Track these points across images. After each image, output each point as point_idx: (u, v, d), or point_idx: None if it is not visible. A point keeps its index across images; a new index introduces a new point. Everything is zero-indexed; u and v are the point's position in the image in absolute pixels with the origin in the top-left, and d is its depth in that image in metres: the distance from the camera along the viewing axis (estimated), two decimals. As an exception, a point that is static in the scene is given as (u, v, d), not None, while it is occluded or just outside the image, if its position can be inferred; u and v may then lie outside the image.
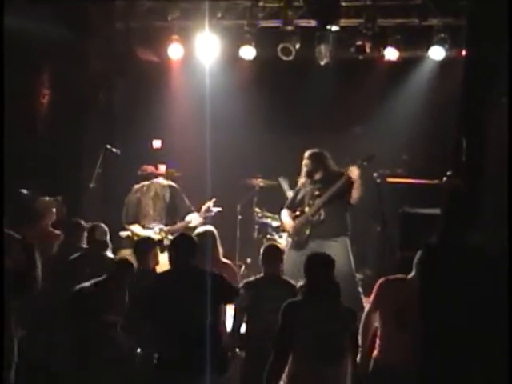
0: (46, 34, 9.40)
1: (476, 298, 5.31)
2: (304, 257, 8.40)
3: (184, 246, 6.19)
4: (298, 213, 8.77)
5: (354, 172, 8.40)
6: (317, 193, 8.63)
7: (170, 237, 9.01)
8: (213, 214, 9.13)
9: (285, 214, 8.92)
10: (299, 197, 8.81)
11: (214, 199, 9.13)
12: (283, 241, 9.92)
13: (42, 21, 9.12)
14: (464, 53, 7.87)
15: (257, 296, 6.67)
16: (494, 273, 5.32)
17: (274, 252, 6.94)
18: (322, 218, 8.54)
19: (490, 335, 5.26)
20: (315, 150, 8.72)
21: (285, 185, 9.75)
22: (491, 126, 6.39)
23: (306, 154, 8.72)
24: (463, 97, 6.70)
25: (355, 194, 8.45)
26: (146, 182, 9.31)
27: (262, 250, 6.98)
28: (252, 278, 6.98)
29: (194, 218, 8.89)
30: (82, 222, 7.89)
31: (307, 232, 8.59)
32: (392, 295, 6.14)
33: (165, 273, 6.35)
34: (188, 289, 5.92)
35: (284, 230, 10.02)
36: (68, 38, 9.91)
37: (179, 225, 9.08)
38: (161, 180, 9.40)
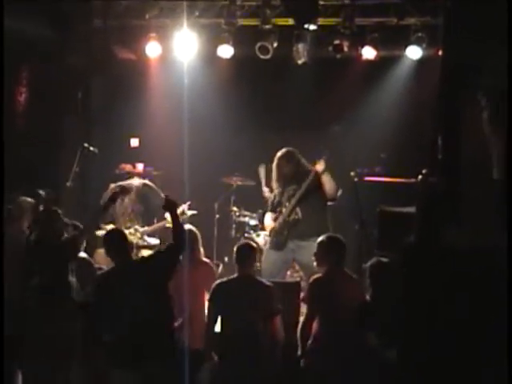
0: (23, 31, 9.33)
1: (455, 297, 5.33)
2: (283, 257, 8.49)
3: None
4: (277, 214, 8.76)
5: (320, 166, 8.40)
6: (291, 192, 8.62)
7: (146, 237, 9.01)
8: (187, 216, 9.11)
9: (267, 217, 8.90)
10: (277, 198, 8.79)
11: (189, 202, 9.12)
12: (261, 239, 9.91)
13: (19, 19, 9.04)
14: (440, 52, 7.92)
15: (230, 297, 6.57)
16: (473, 271, 5.35)
17: (248, 251, 6.80)
18: (297, 217, 8.51)
19: (469, 333, 5.29)
20: (287, 150, 8.69)
21: (262, 172, 9.69)
22: (467, 125, 6.42)
23: (278, 154, 8.68)
24: (439, 95, 6.74)
25: (327, 187, 8.43)
26: (122, 182, 9.28)
27: (235, 249, 6.86)
28: (225, 279, 6.84)
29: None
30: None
31: (285, 233, 8.57)
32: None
33: None
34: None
35: (262, 229, 10.03)
36: (45, 36, 9.84)
37: (156, 225, 9.07)
38: (136, 179, 9.37)
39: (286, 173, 8.65)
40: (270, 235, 8.81)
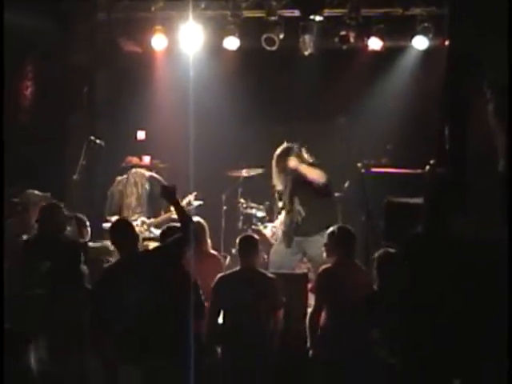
0: (27, 27, 9.33)
1: (461, 287, 5.33)
2: (293, 250, 8.48)
3: None
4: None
5: (291, 162, 8.38)
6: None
7: (153, 229, 9.01)
8: (194, 207, 9.11)
9: (280, 218, 8.94)
10: (282, 197, 8.78)
11: (194, 193, 9.11)
12: (268, 231, 9.92)
13: (23, 14, 9.04)
14: (447, 42, 7.92)
15: (233, 290, 6.54)
16: (479, 261, 5.35)
17: (250, 243, 6.77)
18: (301, 217, 8.45)
19: (474, 323, 5.29)
20: (287, 146, 8.60)
21: None
22: (474, 115, 6.42)
23: (277, 151, 8.60)
24: (445, 85, 6.75)
25: (311, 178, 8.38)
26: (127, 175, 9.30)
27: (237, 241, 6.82)
28: (228, 272, 6.82)
29: None
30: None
31: (292, 232, 8.53)
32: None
33: None
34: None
35: (269, 221, 10.04)
36: (50, 30, 9.85)
37: (162, 217, 9.07)
38: (142, 171, 9.37)
39: (287, 170, 8.59)
40: (282, 234, 8.77)
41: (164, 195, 6.31)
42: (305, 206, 8.45)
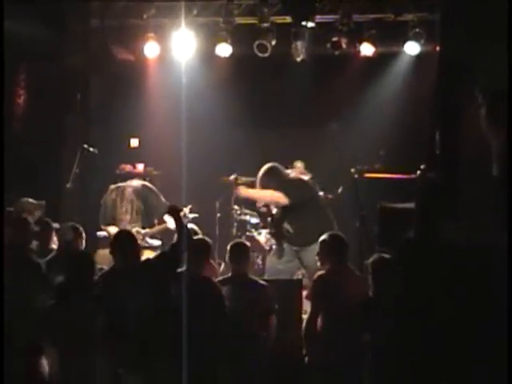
0: (21, 33, 9.32)
1: (453, 292, 5.34)
2: (288, 258, 8.49)
3: None
4: None
5: (240, 190, 8.71)
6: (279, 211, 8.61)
7: (148, 239, 8.99)
8: (189, 219, 9.10)
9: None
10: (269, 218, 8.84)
11: (190, 206, 9.11)
12: (262, 237, 9.93)
13: (17, 20, 9.03)
14: (438, 48, 7.96)
15: (224, 296, 6.46)
16: (470, 267, 5.36)
17: (241, 249, 6.76)
18: (290, 234, 8.47)
19: (466, 328, 5.30)
20: (269, 166, 8.57)
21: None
22: (465, 121, 6.43)
23: (260, 172, 8.57)
24: (437, 91, 6.77)
25: (267, 201, 8.57)
26: (121, 184, 9.28)
27: (228, 248, 6.82)
28: (220, 278, 6.78)
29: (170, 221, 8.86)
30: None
31: (284, 247, 8.55)
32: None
33: None
34: None
35: (263, 227, 10.04)
36: (43, 37, 9.84)
37: (157, 228, 9.06)
38: (135, 181, 9.35)
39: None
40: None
41: (172, 214, 6.62)
42: (292, 223, 8.45)
